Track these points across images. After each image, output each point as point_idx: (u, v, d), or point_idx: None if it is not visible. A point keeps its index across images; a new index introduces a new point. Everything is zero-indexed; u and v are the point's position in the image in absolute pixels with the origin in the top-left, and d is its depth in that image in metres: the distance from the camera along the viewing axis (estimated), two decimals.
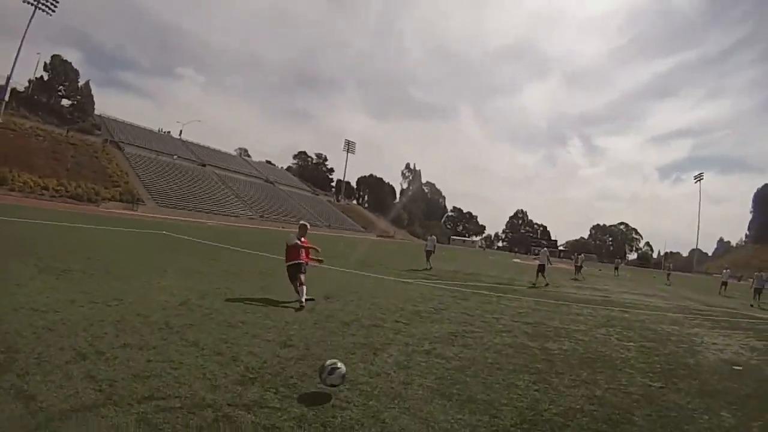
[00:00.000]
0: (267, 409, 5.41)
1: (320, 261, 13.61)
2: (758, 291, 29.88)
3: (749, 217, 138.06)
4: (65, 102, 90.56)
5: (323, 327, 10.10)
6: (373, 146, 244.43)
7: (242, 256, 23.40)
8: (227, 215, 75.94)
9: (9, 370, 5.52)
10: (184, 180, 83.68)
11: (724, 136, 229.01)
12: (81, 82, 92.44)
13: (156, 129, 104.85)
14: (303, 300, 11.90)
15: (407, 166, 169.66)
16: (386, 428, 5.37)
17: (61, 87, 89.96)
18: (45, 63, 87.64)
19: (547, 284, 26.68)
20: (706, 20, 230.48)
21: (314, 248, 12.96)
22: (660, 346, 11.80)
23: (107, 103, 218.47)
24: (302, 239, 12.75)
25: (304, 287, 12.14)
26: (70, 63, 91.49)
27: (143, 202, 64.68)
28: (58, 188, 54.96)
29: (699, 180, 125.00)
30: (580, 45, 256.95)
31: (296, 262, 12.43)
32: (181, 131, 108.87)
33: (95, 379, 5.61)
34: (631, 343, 11.74)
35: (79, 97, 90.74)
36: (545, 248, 31.60)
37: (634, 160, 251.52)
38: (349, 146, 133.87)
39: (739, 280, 50.48)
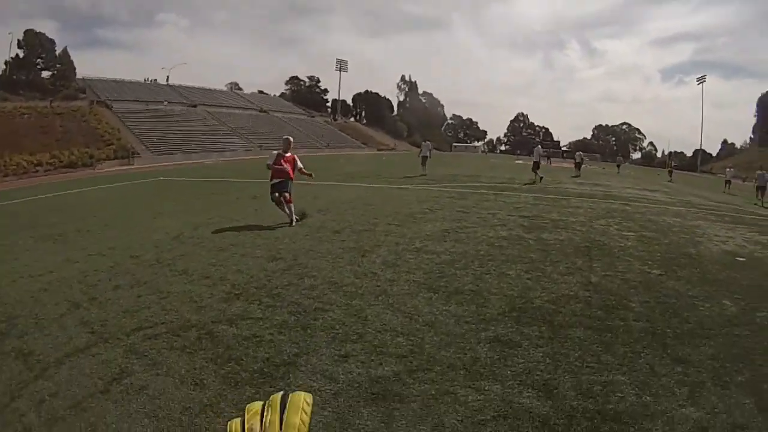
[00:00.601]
0: (249, 321, 5.59)
1: (309, 175, 12.59)
2: (761, 189, 29.58)
3: (753, 121, 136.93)
4: (46, 74, 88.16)
5: (313, 237, 10.04)
6: (367, 64, 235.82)
7: (236, 186, 22.71)
8: (224, 151, 74.74)
9: (9, 335, 5.69)
10: (177, 125, 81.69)
11: (726, 42, 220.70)
12: (59, 51, 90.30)
13: (143, 80, 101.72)
14: (294, 218, 11.63)
15: (402, 78, 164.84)
16: (368, 325, 5.38)
17: (38, 60, 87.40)
18: (18, 40, 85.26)
19: (541, 178, 26.30)
20: None
21: (303, 171, 12.19)
22: (661, 236, 11.53)
23: (93, 65, 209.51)
24: (287, 154, 11.95)
25: (292, 204, 11.74)
26: (44, 34, 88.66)
27: (138, 154, 63.25)
28: (51, 161, 53.50)
29: (701, 82, 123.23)
30: None
31: (279, 180, 11.69)
32: (168, 77, 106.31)
33: (88, 323, 5.81)
34: (631, 233, 11.50)
35: (59, 65, 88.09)
36: (539, 145, 31.20)
37: (635, 62, 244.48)
38: (341, 65, 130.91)
39: (743, 181, 49.92)
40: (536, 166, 27.49)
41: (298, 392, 0.84)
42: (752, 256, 10.38)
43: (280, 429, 0.77)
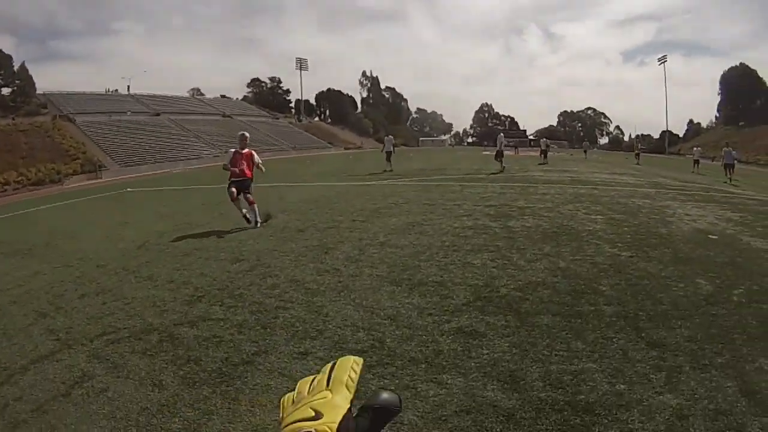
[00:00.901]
0: (210, 322, 5.59)
1: (261, 169, 11.96)
2: (728, 166, 30.17)
3: (718, 99, 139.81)
4: (5, 90, 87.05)
5: (277, 237, 9.88)
6: (327, 62, 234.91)
7: (202, 193, 22.30)
8: (191, 159, 74.34)
9: None
10: (142, 135, 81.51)
11: (686, 20, 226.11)
12: (17, 66, 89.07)
13: (103, 91, 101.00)
14: (258, 220, 11.27)
15: (363, 73, 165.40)
16: (328, 321, 5.27)
17: None
18: None
19: (504, 168, 26.37)
20: None
21: (259, 165, 11.77)
22: (630, 218, 11.44)
23: (52, 79, 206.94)
24: (243, 151, 11.56)
25: (256, 206, 11.36)
26: (1, 50, 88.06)
27: (105, 167, 62.70)
28: (19, 179, 52.92)
29: (663, 62, 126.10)
30: None
31: (238, 179, 11.30)
32: (128, 86, 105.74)
33: (53, 331, 5.85)
34: (599, 216, 11.40)
35: (18, 81, 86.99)
36: (501, 134, 31.21)
37: (595, 45, 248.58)
38: (302, 63, 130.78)
39: (712, 161, 50.81)
40: (499, 154, 27.60)
41: (348, 356, 0.83)
42: (724, 233, 10.30)
43: (327, 385, 0.77)
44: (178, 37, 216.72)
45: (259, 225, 11.15)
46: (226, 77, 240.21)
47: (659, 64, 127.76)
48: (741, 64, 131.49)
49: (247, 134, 12.32)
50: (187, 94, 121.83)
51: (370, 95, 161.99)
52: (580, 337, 4.62)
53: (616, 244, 8.53)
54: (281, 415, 0.78)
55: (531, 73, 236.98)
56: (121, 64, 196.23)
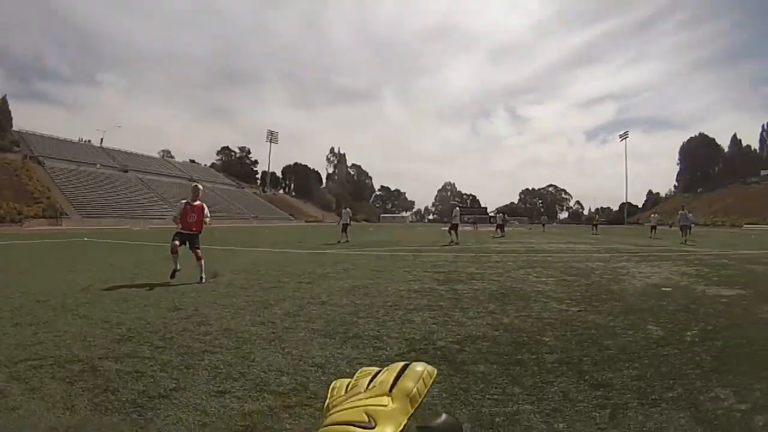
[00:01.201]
0: (136, 359, 5.44)
1: (206, 222, 11.84)
2: (685, 228, 31.28)
3: (677, 169, 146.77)
4: None
5: (219, 292, 9.57)
6: (298, 136, 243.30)
7: (156, 248, 22.29)
8: (153, 218, 74.62)
9: None
10: (107, 188, 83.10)
11: (648, 98, 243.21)
12: None
13: (77, 139, 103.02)
14: (202, 276, 10.90)
15: (332, 150, 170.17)
16: (253, 366, 5.11)
17: None
18: None
19: (458, 242, 26.60)
20: None
21: (206, 218, 11.65)
22: (582, 278, 11.47)
23: (29, 116, 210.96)
24: (195, 203, 11.40)
25: (203, 262, 11.09)
26: None
27: (67, 215, 63.06)
28: None
29: (624, 138, 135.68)
30: (505, 21, 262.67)
31: (186, 232, 11.22)
32: (102, 139, 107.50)
33: None
34: (551, 279, 11.41)
35: None
36: (457, 207, 31.36)
37: (559, 125, 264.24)
38: (272, 136, 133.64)
39: (670, 227, 52.52)
40: (454, 227, 27.80)
41: (422, 362, 0.71)
42: (678, 285, 10.50)
43: (390, 391, 0.66)
44: (158, 97, 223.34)
45: (203, 281, 10.74)
46: (197, 142, 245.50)
47: (621, 141, 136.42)
48: (700, 133, 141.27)
49: (200, 186, 12.14)
50: (157, 155, 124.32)
51: (336, 171, 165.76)
52: (517, 383, 4.35)
53: (564, 302, 8.45)
54: (328, 401, 0.73)
55: (496, 154, 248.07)
56: (98, 115, 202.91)
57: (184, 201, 11.56)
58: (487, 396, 4.07)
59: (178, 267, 11.04)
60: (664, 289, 9.97)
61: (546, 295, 9.16)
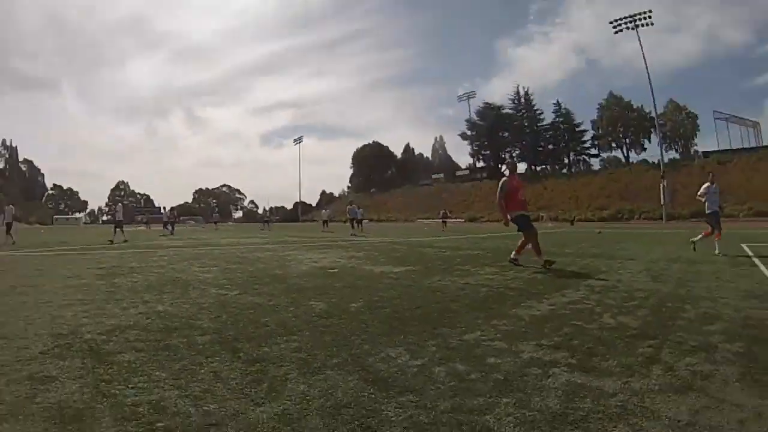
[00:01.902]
0: None
1: None
2: (353, 220, 33.60)
3: (350, 172, 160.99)
4: None
5: None
6: None
7: None
8: None
9: None
10: None
11: (326, 107, 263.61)
12: None
13: None
14: None
15: (3, 143, 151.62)
16: None
17: None
18: None
19: (111, 242, 25.68)
20: (327, 13, 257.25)
21: None
22: (246, 266, 11.88)
23: None
24: None
25: None
26: None
27: None
28: None
29: (299, 143, 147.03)
30: (197, 22, 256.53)
31: None
32: None
33: None
34: (215, 268, 11.55)
35: None
36: (119, 204, 32.37)
37: (237, 128, 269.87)
38: None
39: (344, 222, 56.78)
40: (119, 225, 28.37)
41: None
42: (345, 267, 11.34)
43: None
44: None
45: None
46: None
47: (295, 145, 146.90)
48: (374, 141, 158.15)
49: None
50: None
51: (7, 167, 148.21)
52: (164, 368, 4.10)
53: (224, 287, 8.51)
54: None
55: (172, 153, 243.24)
56: None
57: None
58: (130, 386, 3.78)
59: None
60: (330, 270, 10.60)
61: (206, 282, 9.15)
